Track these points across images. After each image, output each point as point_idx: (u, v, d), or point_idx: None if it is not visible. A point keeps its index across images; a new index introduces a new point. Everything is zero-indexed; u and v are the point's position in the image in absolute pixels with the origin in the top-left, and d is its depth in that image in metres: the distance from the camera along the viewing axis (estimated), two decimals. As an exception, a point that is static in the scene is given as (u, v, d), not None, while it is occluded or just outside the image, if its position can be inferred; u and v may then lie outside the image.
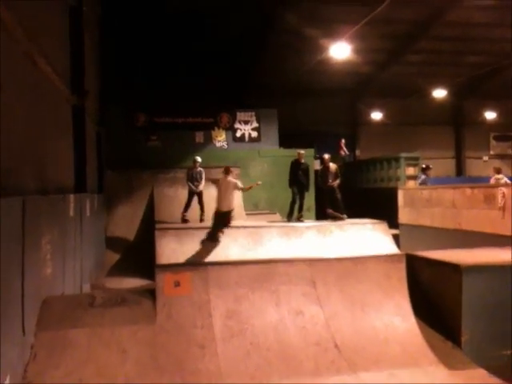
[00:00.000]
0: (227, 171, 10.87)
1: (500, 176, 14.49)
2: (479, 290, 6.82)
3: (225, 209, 10.46)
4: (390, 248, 10.37)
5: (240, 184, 10.98)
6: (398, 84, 26.51)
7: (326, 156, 12.85)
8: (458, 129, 30.35)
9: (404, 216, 14.77)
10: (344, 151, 25.78)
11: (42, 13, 7.78)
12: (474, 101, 29.19)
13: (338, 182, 12.46)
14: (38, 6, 7.55)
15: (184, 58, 21.24)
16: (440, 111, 28.96)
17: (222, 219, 10.42)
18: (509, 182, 13.97)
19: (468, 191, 11.83)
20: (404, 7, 18.90)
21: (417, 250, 8.86)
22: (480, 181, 17.95)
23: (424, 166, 16.44)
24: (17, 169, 6.24)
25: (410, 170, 19.84)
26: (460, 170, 30.18)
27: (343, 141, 25.86)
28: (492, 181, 14.52)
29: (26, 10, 6.55)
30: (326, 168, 12.63)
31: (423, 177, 15.56)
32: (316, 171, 16.15)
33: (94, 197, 12.20)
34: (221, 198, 10.54)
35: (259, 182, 12.44)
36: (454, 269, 6.95)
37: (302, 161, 12.60)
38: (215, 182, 11.20)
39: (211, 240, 10.13)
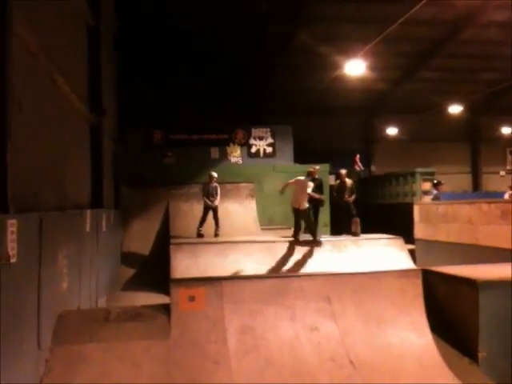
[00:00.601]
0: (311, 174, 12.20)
1: None
2: (496, 305, 6.72)
3: (301, 207, 11.53)
4: (406, 263, 10.32)
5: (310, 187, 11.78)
6: (413, 100, 26.52)
7: (343, 171, 12.86)
8: (473, 144, 30.18)
9: (420, 231, 14.66)
10: (359, 166, 25.74)
11: (61, 32, 7.97)
12: (490, 116, 29.05)
13: (353, 197, 12.46)
14: (58, 26, 7.74)
15: (200, 76, 21.47)
16: (456, 127, 28.85)
17: (297, 217, 11.68)
18: None
19: (485, 207, 11.72)
20: (418, 25, 19.00)
21: (433, 265, 8.78)
22: (497, 196, 17.82)
23: (435, 181, 16.38)
24: (38, 186, 6.37)
25: (426, 185, 19.69)
26: (476, 185, 29.94)
27: (358, 156, 25.84)
28: (506, 196, 14.43)
29: (46, 30, 6.71)
30: (342, 183, 12.64)
31: (435, 192, 15.50)
32: (331, 186, 16.15)
33: (110, 212, 12.32)
34: (296, 196, 11.68)
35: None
36: (471, 284, 6.87)
37: (316, 176, 12.62)
38: (293, 183, 12.03)
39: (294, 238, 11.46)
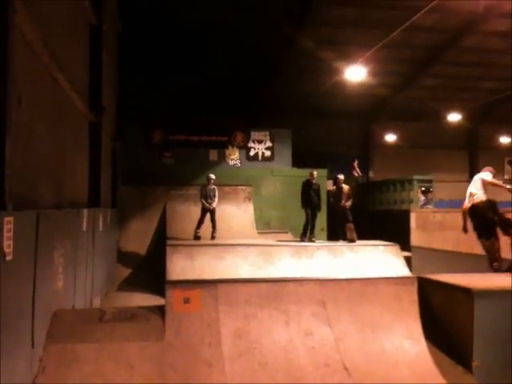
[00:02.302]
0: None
1: None
2: (491, 314, 6.73)
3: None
4: (402, 270, 10.29)
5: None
6: (413, 107, 26.60)
7: (340, 177, 12.87)
8: (472, 152, 30.26)
9: (416, 239, 14.67)
10: (357, 172, 25.77)
11: (63, 30, 7.97)
12: (489, 125, 29.15)
13: (350, 203, 12.48)
14: (60, 24, 7.74)
15: (200, 77, 21.49)
16: (454, 135, 28.94)
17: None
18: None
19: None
20: (420, 32, 19.07)
21: (429, 273, 8.78)
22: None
23: (423, 188, 16.42)
24: (36, 183, 6.35)
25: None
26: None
27: (356, 162, 25.87)
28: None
29: (48, 27, 6.70)
30: (339, 189, 12.65)
31: (422, 198, 15.54)
32: (328, 191, 16.16)
33: (107, 211, 12.30)
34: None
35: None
36: (466, 293, 6.87)
37: (314, 181, 12.63)
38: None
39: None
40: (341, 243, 11.78)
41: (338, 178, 12.99)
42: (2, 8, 4.59)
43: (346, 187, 12.65)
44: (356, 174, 25.72)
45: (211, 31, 18.66)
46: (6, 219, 4.26)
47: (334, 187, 13.10)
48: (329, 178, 20.09)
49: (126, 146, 17.45)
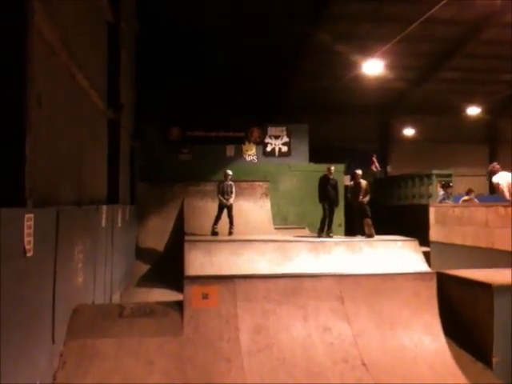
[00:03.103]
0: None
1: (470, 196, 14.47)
2: (511, 310, 6.66)
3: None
4: (421, 266, 10.24)
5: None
6: (432, 101, 26.29)
7: (358, 172, 12.80)
8: (492, 146, 29.82)
9: (435, 234, 14.52)
10: (376, 167, 25.59)
11: (81, 28, 8.03)
12: (509, 119, 28.66)
13: (367, 198, 12.42)
14: (79, 22, 7.80)
15: (217, 73, 21.50)
16: (474, 129, 28.55)
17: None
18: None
19: (502, 210, 11.57)
20: (438, 25, 18.83)
21: (448, 268, 8.71)
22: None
23: (443, 182, 16.23)
24: (57, 182, 6.43)
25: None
26: (493, 188, 29.55)
27: (375, 156, 25.70)
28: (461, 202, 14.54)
29: (66, 26, 6.76)
30: (357, 184, 12.60)
31: (442, 193, 15.38)
32: (346, 187, 16.08)
33: (125, 208, 12.41)
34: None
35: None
36: (486, 288, 6.80)
37: (331, 176, 12.59)
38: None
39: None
40: (359, 238, 11.74)
41: (355, 173, 12.93)
42: (20, 8, 4.64)
43: (363, 182, 12.60)
44: (375, 169, 25.54)
45: (228, 29, 18.65)
46: (27, 216, 4.32)
47: (352, 182, 13.05)
48: (346, 173, 19.99)
49: (144, 143, 17.56)
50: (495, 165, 12.28)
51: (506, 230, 11.16)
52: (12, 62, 4.59)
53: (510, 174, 11.56)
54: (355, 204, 12.49)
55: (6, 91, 4.56)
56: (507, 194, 11.24)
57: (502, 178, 11.88)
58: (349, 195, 12.89)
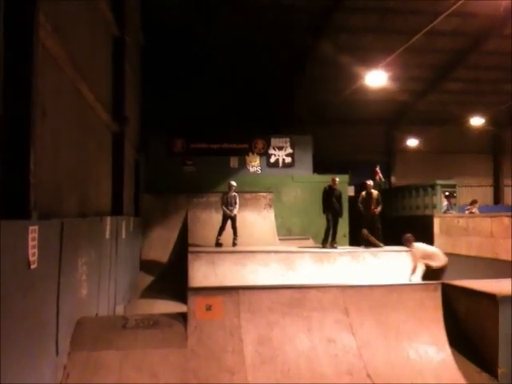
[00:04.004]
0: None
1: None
2: (517, 321, 6.61)
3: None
4: (425, 277, 10.18)
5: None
6: (436, 112, 26.33)
7: (369, 182, 12.75)
8: (496, 157, 29.81)
9: (440, 244, 14.49)
10: (380, 177, 25.55)
11: (86, 41, 8.11)
12: (514, 129, 28.69)
13: (379, 208, 12.36)
14: (83, 35, 7.88)
15: (220, 86, 21.62)
16: (478, 139, 28.54)
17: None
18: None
19: (506, 220, 11.56)
20: (441, 36, 18.92)
21: (453, 278, 8.67)
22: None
23: (447, 193, 16.18)
24: (62, 195, 6.46)
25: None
26: (498, 198, 29.54)
27: (378, 167, 25.68)
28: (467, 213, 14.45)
29: (71, 39, 6.83)
30: (369, 194, 12.53)
31: (445, 203, 15.33)
32: (350, 197, 16.05)
33: (130, 220, 12.42)
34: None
35: None
36: (491, 299, 6.77)
37: (335, 187, 12.59)
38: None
39: None
40: (363, 249, 11.72)
41: (366, 183, 12.85)
42: (26, 22, 4.69)
43: (375, 193, 12.56)
44: (378, 179, 25.50)
45: (232, 41, 18.78)
46: (31, 228, 4.34)
47: (364, 193, 12.90)
48: (350, 184, 19.99)
49: (148, 155, 17.65)
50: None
51: (511, 240, 11.13)
52: (17, 75, 4.62)
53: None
54: (367, 214, 12.36)
55: (11, 104, 4.59)
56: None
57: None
58: (360, 206, 12.70)
